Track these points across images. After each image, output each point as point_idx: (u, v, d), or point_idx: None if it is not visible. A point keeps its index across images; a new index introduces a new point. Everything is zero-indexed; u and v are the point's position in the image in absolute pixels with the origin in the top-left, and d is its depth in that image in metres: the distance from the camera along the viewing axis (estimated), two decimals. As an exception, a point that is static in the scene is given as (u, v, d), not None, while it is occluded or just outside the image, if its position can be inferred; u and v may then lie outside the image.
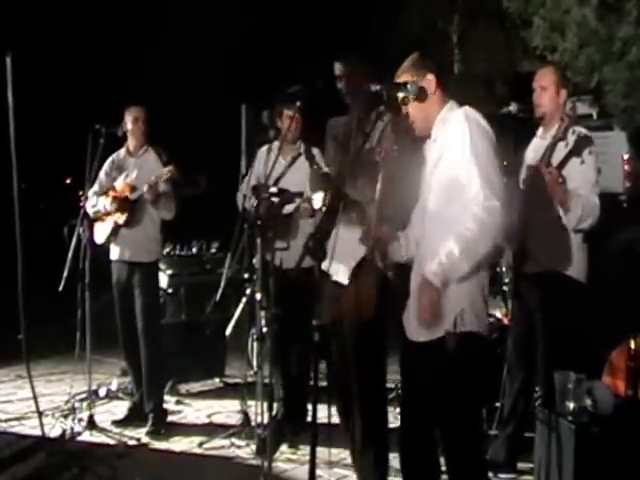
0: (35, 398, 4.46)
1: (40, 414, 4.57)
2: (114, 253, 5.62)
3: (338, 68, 4.15)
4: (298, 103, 4.29)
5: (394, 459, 4.69)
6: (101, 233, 5.64)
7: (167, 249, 6.83)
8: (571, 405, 3.75)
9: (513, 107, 4.62)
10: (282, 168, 5.32)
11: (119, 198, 5.53)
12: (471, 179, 3.03)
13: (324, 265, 3.65)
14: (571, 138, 4.25)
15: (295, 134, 5.46)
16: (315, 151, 5.15)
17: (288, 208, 5.14)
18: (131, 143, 5.69)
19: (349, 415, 4.18)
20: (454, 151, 3.12)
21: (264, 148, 5.67)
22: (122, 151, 5.75)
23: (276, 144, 5.41)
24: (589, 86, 9.18)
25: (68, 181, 12.87)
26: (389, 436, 5.02)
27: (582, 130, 4.34)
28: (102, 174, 5.74)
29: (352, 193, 3.88)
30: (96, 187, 5.69)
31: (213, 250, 7.22)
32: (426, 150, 3.38)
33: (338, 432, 4.20)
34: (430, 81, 3.27)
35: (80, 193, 5.68)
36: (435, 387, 3.15)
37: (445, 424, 3.21)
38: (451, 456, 3.23)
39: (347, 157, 3.75)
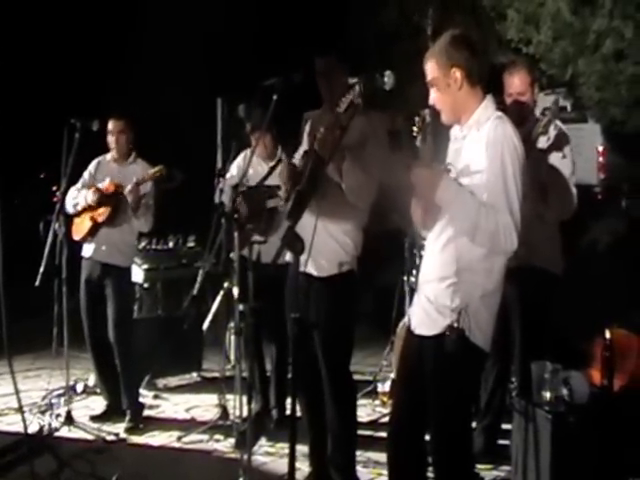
0: (17, 393, 4.45)
1: (22, 410, 4.55)
2: (87, 250, 5.56)
3: (318, 64, 4.15)
4: (274, 96, 4.28)
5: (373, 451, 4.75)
6: (79, 230, 5.59)
7: (143, 243, 6.80)
8: (547, 395, 3.79)
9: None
10: (264, 172, 5.36)
11: (101, 191, 5.48)
12: (497, 202, 2.95)
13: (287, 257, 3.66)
14: (552, 132, 4.33)
15: (268, 151, 5.53)
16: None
17: (270, 203, 5.15)
18: (115, 153, 5.65)
19: (314, 408, 4.20)
20: (481, 167, 3.01)
21: (244, 153, 5.67)
22: (109, 155, 5.70)
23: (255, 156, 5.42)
24: (563, 78, 9.26)
25: (42, 176, 12.73)
26: (367, 428, 5.08)
27: (561, 126, 4.42)
28: (86, 174, 5.70)
29: (334, 177, 3.90)
30: (79, 184, 5.65)
31: (190, 244, 7.18)
32: (452, 138, 3.27)
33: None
34: (455, 78, 3.09)
35: (54, 188, 5.64)
36: (430, 383, 3.12)
37: (435, 421, 3.18)
38: (439, 454, 3.19)
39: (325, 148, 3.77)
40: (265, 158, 5.55)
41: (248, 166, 4.67)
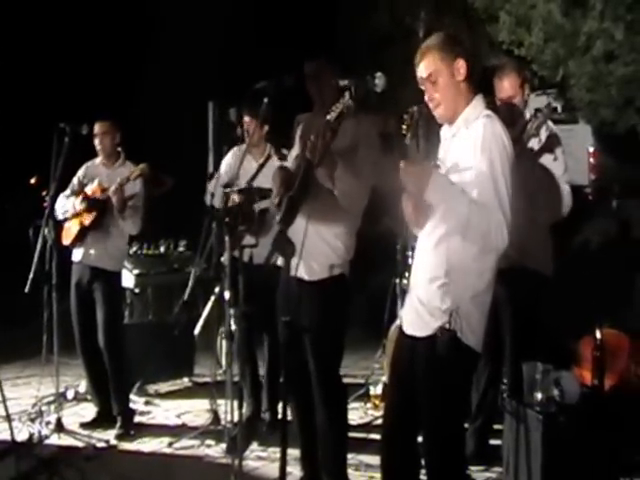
0: (4, 400, 4.43)
1: (9, 418, 4.53)
2: (77, 255, 5.54)
3: (307, 67, 4.14)
4: (265, 99, 4.27)
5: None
6: (68, 235, 5.57)
7: (134, 248, 6.77)
8: (539, 395, 3.78)
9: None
10: (254, 170, 5.35)
11: (88, 198, 5.47)
12: (487, 200, 2.93)
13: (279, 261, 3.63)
14: (544, 135, 4.34)
15: (257, 137, 5.49)
16: (285, 151, 5.17)
17: (262, 204, 5.14)
18: (102, 155, 5.63)
19: (305, 412, 4.18)
20: (470, 165, 2.99)
21: (233, 150, 5.66)
22: (97, 160, 5.69)
23: (244, 147, 5.40)
24: (554, 80, 9.28)
25: (32, 181, 12.71)
26: (359, 431, 5.07)
27: (553, 127, 4.42)
28: (75, 180, 5.69)
29: (326, 183, 3.87)
30: (68, 191, 5.64)
31: (181, 249, 7.16)
32: (442, 139, 3.25)
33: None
34: (460, 67, 3.06)
35: (44, 193, 5.61)
36: (422, 384, 3.10)
37: (428, 423, 3.16)
38: (431, 456, 3.17)
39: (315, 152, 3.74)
40: (254, 152, 5.50)
41: (241, 163, 4.64)
